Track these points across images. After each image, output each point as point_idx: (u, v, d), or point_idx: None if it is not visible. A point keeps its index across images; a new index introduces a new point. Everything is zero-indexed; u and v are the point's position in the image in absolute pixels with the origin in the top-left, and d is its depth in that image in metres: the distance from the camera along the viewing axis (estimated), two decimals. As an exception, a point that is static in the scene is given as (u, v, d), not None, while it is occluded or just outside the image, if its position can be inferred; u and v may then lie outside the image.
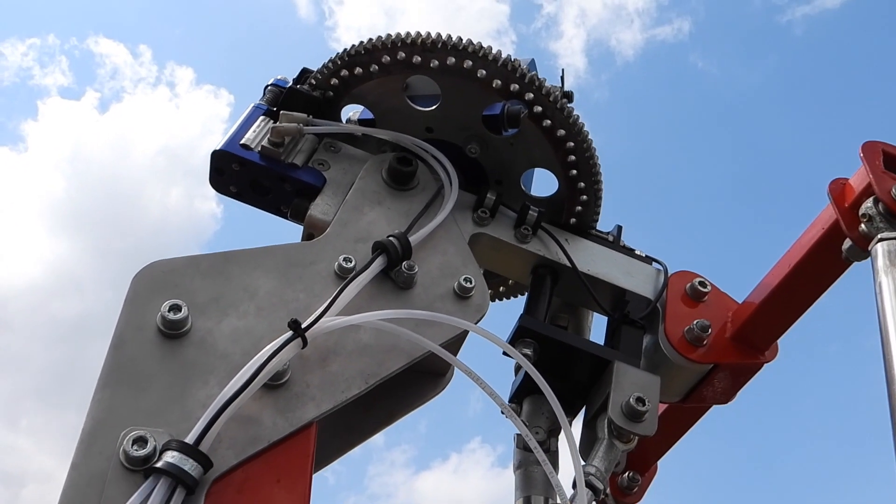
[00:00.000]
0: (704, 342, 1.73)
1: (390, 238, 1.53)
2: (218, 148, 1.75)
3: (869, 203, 1.41)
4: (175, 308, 1.32)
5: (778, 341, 1.77)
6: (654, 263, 1.92)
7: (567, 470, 1.52)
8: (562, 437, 1.69)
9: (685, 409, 1.95)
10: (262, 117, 1.83)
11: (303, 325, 1.31)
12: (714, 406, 1.93)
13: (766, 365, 1.76)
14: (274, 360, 1.25)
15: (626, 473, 2.15)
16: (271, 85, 1.93)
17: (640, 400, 1.55)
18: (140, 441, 1.15)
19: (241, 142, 1.76)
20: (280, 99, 1.86)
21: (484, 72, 1.72)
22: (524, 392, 1.78)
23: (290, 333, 1.30)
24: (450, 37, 1.72)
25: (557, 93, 1.79)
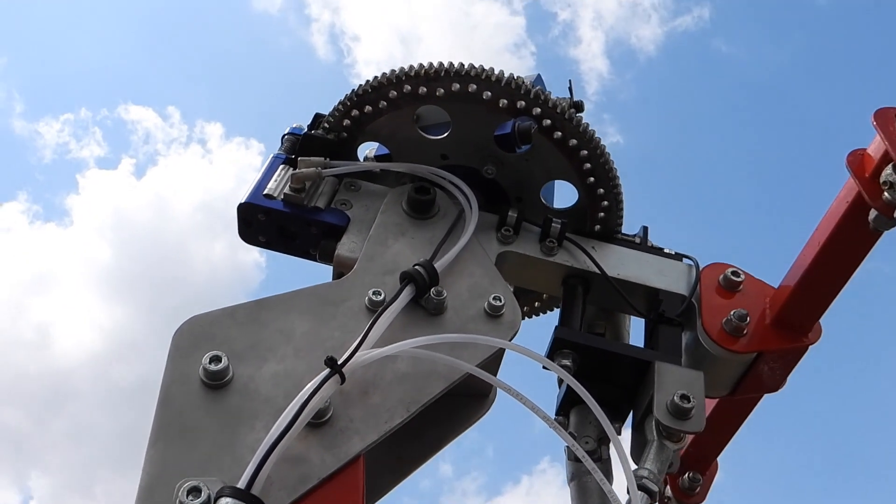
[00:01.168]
0: (744, 331, 1.71)
1: (416, 267, 1.56)
2: (243, 201, 1.81)
3: (889, 170, 1.39)
4: (215, 359, 1.36)
5: (820, 321, 1.74)
6: (684, 259, 1.91)
7: (622, 476, 1.51)
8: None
9: (736, 402, 1.93)
10: (282, 166, 1.88)
11: (339, 361, 1.34)
12: (766, 396, 1.91)
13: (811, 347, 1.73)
14: (315, 398, 1.29)
15: (687, 474, 2.12)
16: (288, 134, 1.99)
17: (684, 397, 1.54)
18: (195, 491, 1.19)
19: (265, 192, 1.81)
20: (297, 146, 1.92)
21: (489, 93, 1.75)
22: (569, 403, 1.77)
23: (327, 371, 1.33)
24: (451, 64, 1.76)
25: (565, 104, 1.81)
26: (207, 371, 1.35)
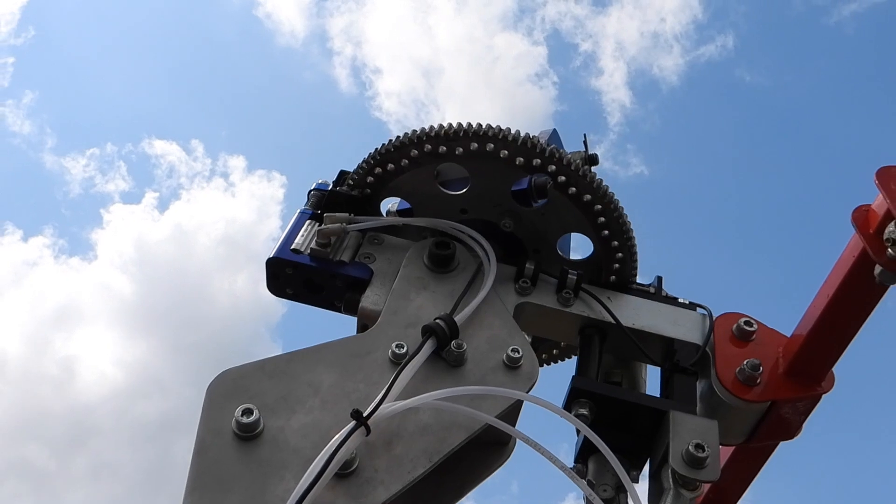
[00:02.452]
0: (758, 381, 1.75)
1: (437, 321, 1.62)
2: (271, 256, 1.90)
3: (892, 227, 1.45)
4: (247, 412, 1.43)
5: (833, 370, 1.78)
6: (698, 309, 1.96)
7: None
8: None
9: (752, 450, 1.95)
10: (308, 221, 1.98)
11: (364, 414, 1.41)
12: (782, 443, 1.94)
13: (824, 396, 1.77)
14: (341, 450, 1.35)
15: (706, 522, 2.14)
16: (313, 190, 2.09)
17: (699, 446, 1.58)
18: (228, 540, 1.25)
19: (292, 247, 1.90)
20: (323, 202, 2.01)
21: (506, 152, 1.84)
22: (587, 451, 1.81)
23: (353, 423, 1.39)
24: (470, 125, 1.85)
25: (579, 161, 1.89)
26: (240, 423, 1.42)
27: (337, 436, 1.38)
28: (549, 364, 2.28)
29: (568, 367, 2.29)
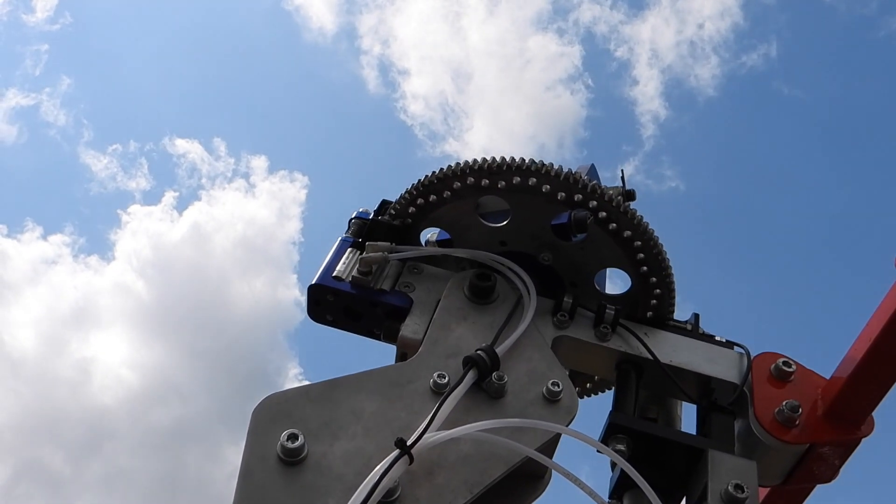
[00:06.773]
0: (797, 422, 1.75)
1: (478, 352, 1.64)
2: (314, 282, 1.93)
3: (937, 274, 1.45)
4: (293, 437, 1.45)
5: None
6: (735, 347, 1.96)
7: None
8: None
9: (789, 491, 1.94)
10: (349, 249, 2.01)
11: (408, 443, 1.42)
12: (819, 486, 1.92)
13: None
14: (385, 479, 1.36)
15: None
16: (355, 218, 2.12)
17: (738, 487, 1.57)
18: (274, 565, 1.26)
19: (334, 274, 1.94)
20: (364, 230, 2.05)
21: (548, 186, 1.86)
22: (622, 487, 1.81)
23: (397, 452, 1.41)
24: (513, 159, 1.88)
25: (619, 197, 1.91)
26: (285, 448, 1.44)
27: (381, 464, 1.40)
28: (582, 398, 2.28)
29: (599, 400, 2.29)
